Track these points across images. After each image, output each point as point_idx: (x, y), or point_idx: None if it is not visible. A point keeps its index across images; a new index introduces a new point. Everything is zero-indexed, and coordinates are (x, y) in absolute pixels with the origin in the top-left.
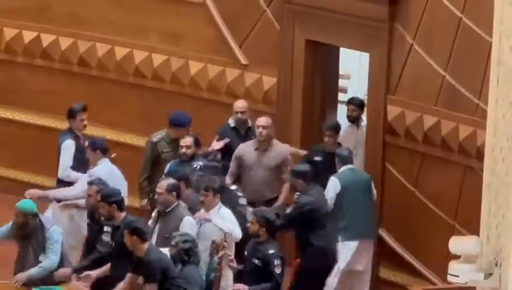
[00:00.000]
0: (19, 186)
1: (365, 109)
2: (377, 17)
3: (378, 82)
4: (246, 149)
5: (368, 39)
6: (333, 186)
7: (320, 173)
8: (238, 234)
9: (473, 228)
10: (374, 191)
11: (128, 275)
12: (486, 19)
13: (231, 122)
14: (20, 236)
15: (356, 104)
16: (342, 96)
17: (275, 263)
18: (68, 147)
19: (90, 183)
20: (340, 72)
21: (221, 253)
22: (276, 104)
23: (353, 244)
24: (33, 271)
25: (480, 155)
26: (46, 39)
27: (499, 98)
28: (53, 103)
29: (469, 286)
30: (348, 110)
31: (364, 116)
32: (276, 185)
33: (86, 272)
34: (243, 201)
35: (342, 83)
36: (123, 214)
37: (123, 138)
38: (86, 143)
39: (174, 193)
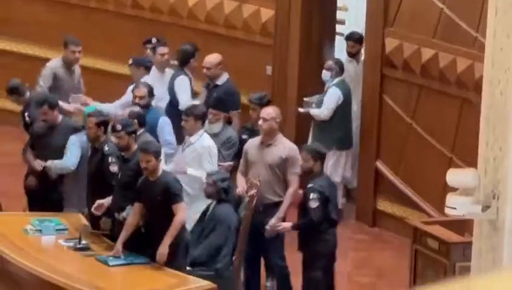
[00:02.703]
0: (18, 118)
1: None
2: None
3: (376, 14)
4: (251, 143)
5: None
6: (336, 97)
7: None
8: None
9: (470, 161)
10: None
11: (136, 205)
12: None
13: None
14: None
15: (355, 40)
16: (339, 28)
17: (311, 197)
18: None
19: (88, 115)
20: (338, 4)
21: (252, 191)
22: (274, 36)
23: (343, 154)
24: (49, 162)
25: (478, 88)
26: None
27: (497, 31)
28: (50, 34)
29: (466, 219)
30: (347, 45)
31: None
32: (280, 188)
33: (99, 201)
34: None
35: (339, 15)
36: (136, 146)
37: (121, 70)
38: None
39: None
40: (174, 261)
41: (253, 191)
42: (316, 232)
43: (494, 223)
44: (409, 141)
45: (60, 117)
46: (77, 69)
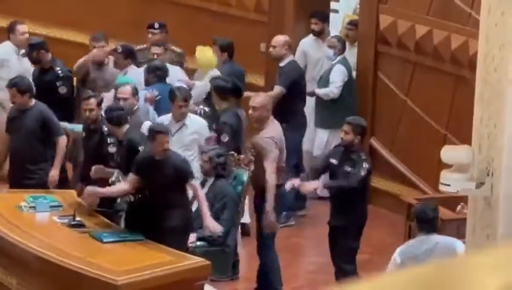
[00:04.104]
0: None
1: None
2: None
3: None
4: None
5: None
6: (342, 74)
7: None
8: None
9: (464, 138)
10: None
11: (131, 176)
12: None
13: None
14: None
15: (319, 17)
16: (334, 5)
17: (363, 166)
18: None
19: (88, 97)
20: None
21: (251, 165)
22: (268, 12)
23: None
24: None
25: (472, 65)
26: None
27: (491, 7)
28: (45, 11)
29: (460, 195)
30: (311, 23)
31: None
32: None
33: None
34: None
35: None
36: (127, 126)
37: (114, 45)
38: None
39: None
40: (176, 241)
41: (252, 165)
42: (352, 204)
43: (488, 199)
44: (403, 118)
45: (33, 102)
46: (111, 64)
